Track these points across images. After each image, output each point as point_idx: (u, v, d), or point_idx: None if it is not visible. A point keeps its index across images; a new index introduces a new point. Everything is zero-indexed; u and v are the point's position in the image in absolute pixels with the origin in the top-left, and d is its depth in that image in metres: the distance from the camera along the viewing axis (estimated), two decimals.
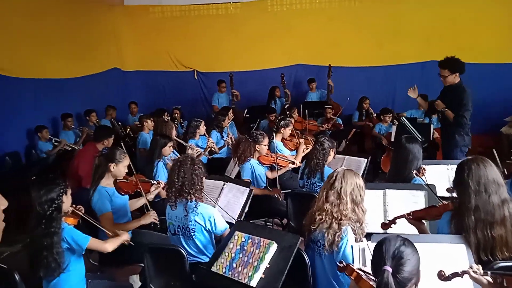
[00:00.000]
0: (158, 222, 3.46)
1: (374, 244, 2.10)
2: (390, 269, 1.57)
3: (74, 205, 2.84)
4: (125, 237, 3.01)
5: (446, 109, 4.70)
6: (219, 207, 3.36)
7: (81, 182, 4.76)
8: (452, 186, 3.26)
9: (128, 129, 7.62)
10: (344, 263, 1.97)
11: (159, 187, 3.81)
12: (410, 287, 1.63)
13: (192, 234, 2.91)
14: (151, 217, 3.39)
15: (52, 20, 7.31)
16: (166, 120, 5.96)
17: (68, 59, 7.62)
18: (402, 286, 1.59)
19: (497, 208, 2.22)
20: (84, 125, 7.26)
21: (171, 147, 4.68)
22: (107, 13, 8.99)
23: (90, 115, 7.46)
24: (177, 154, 5.12)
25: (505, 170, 3.71)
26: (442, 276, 1.87)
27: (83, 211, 2.95)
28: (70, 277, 2.64)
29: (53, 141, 6.57)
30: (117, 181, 3.51)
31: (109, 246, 2.87)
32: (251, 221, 3.85)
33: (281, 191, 4.61)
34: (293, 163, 4.86)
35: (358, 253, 2.24)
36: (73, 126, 7.14)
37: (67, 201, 2.67)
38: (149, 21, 9.55)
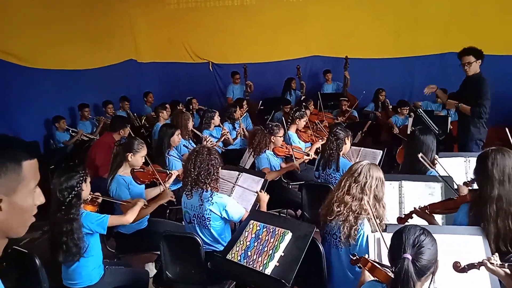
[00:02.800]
0: (175, 200, 3.48)
1: (390, 234, 2.11)
2: (410, 257, 1.58)
3: (91, 192, 2.89)
4: (141, 202, 3.08)
5: (460, 104, 4.59)
6: (234, 195, 3.39)
7: (98, 171, 4.83)
8: (471, 178, 3.21)
9: (144, 120, 7.68)
10: (357, 256, 1.98)
11: (172, 176, 3.87)
12: (428, 276, 1.64)
13: (207, 223, 2.94)
14: (168, 195, 3.40)
15: (70, 12, 7.41)
16: (183, 111, 5.99)
17: (85, 50, 7.74)
18: (421, 274, 1.60)
19: None
20: (101, 116, 7.35)
21: (179, 136, 4.70)
22: (123, 4, 9.04)
23: (107, 106, 7.55)
24: (194, 144, 5.16)
25: None
26: (457, 268, 1.86)
27: (100, 199, 3.00)
28: (89, 263, 2.70)
29: (70, 131, 6.68)
30: (134, 170, 3.57)
31: (129, 217, 2.95)
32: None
33: (296, 182, 4.60)
34: (308, 155, 4.86)
35: (374, 244, 2.23)
36: (90, 116, 7.24)
37: (86, 189, 2.72)
38: (164, 12, 9.58)
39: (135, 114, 7.93)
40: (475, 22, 7.95)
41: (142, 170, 3.63)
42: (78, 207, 2.64)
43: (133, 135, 5.04)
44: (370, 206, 2.41)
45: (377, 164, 4.17)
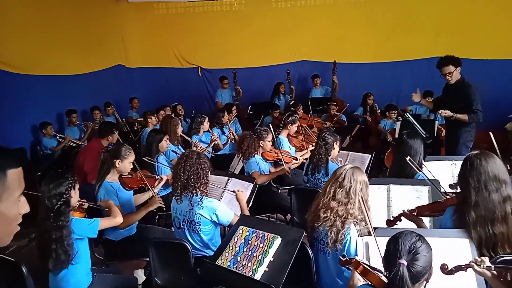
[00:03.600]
0: (164, 206, 3.47)
1: (379, 238, 2.12)
2: (405, 263, 1.59)
3: (79, 199, 2.87)
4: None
5: (456, 114, 4.60)
6: (223, 200, 3.39)
7: (86, 178, 4.79)
8: (455, 182, 3.25)
9: (136, 124, 7.63)
10: (347, 257, 1.99)
11: (162, 181, 3.86)
12: (422, 283, 1.66)
13: (197, 227, 2.93)
14: (157, 202, 3.40)
15: (57, 17, 7.35)
16: (172, 116, 5.98)
17: (72, 55, 7.67)
18: (415, 280, 1.61)
19: (497, 206, 2.20)
20: (89, 121, 7.30)
21: (168, 141, 4.69)
22: (112, 9, 9.02)
23: (95, 112, 7.51)
24: (182, 150, 5.14)
25: (508, 166, 3.70)
26: (445, 270, 1.87)
27: (86, 205, 2.98)
28: (77, 270, 2.68)
29: (57, 137, 6.61)
30: (122, 176, 3.55)
31: (119, 218, 2.97)
32: (255, 216, 3.86)
33: (285, 187, 4.61)
34: (297, 159, 4.88)
35: (362, 248, 2.25)
36: (77, 122, 7.19)
37: (75, 196, 2.71)
38: (153, 17, 9.58)
39: (123, 120, 7.89)
40: (463, 27, 8.08)
41: (130, 176, 3.61)
42: (67, 214, 2.62)
43: (121, 141, 5.01)
44: (356, 209, 2.42)
45: (365, 168, 4.26)
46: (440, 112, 4.69)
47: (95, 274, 2.85)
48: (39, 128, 6.58)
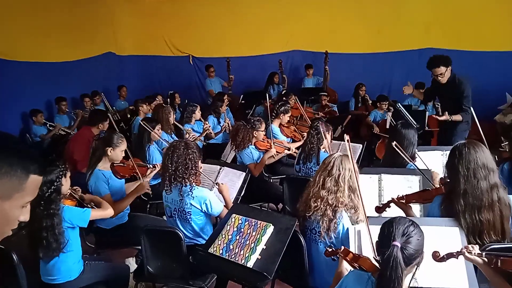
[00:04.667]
0: (151, 192, 3.46)
1: (371, 226, 2.15)
2: (399, 244, 1.63)
3: (71, 187, 2.85)
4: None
5: (451, 116, 4.60)
6: (215, 190, 3.39)
7: (77, 166, 4.75)
8: (445, 175, 3.29)
9: (128, 113, 7.57)
10: (333, 248, 2.01)
11: (155, 170, 3.83)
12: (413, 267, 1.69)
13: (188, 217, 2.93)
14: (145, 187, 3.40)
15: (47, 3, 7.22)
16: (164, 105, 5.94)
17: (62, 42, 7.55)
18: (407, 263, 1.65)
19: (485, 193, 2.24)
20: (79, 109, 7.22)
21: (160, 130, 4.66)
22: None
23: (85, 99, 7.42)
24: (175, 138, 5.12)
25: (496, 157, 3.76)
26: (436, 257, 1.91)
27: (79, 193, 2.97)
28: (68, 258, 2.66)
29: (47, 125, 6.54)
30: (114, 165, 3.52)
31: (110, 210, 2.95)
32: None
33: (277, 177, 4.63)
34: (289, 149, 4.88)
35: (354, 236, 2.27)
36: (67, 110, 7.10)
37: (66, 184, 2.68)
38: (145, 4, 9.44)
39: (114, 108, 7.82)
40: (454, 19, 8.11)
41: (122, 164, 3.59)
42: (58, 202, 2.59)
43: (114, 129, 4.98)
44: (346, 197, 2.44)
45: (357, 158, 4.28)
46: (441, 118, 4.69)
47: (86, 262, 2.84)
48: (29, 116, 6.50)
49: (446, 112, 4.63)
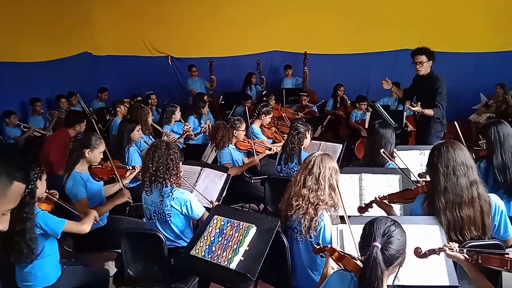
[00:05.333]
0: (131, 201, 3.41)
1: (353, 226, 2.16)
2: (379, 245, 1.63)
3: (48, 190, 2.77)
4: (93, 213, 2.96)
5: (423, 110, 4.68)
6: (197, 192, 3.36)
7: (53, 168, 4.63)
8: (424, 171, 3.35)
9: (106, 114, 7.44)
10: (321, 245, 2.02)
11: (134, 172, 3.77)
12: (395, 267, 1.69)
13: (168, 219, 2.88)
14: (125, 196, 3.35)
15: (20, 0, 7.01)
16: (142, 105, 5.85)
17: (36, 41, 7.36)
18: (388, 263, 1.65)
19: (465, 190, 2.30)
20: (54, 110, 7.05)
21: (140, 131, 4.59)
22: None
23: (61, 100, 7.25)
24: (153, 140, 5.06)
25: (473, 155, 3.84)
26: (418, 253, 1.95)
27: (57, 196, 2.89)
28: (45, 264, 2.58)
29: (21, 126, 6.37)
30: (92, 167, 3.44)
31: (86, 226, 2.82)
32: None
33: (258, 177, 4.62)
34: (270, 149, 4.89)
35: (336, 235, 2.28)
36: (42, 111, 6.93)
37: (41, 187, 2.60)
38: (123, 3, 9.27)
39: (90, 109, 7.67)
40: (429, 21, 8.29)
41: (100, 166, 3.50)
42: (32, 205, 2.49)
43: (93, 130, 4.87)
44: (326, 195, 2.45)
45: (337, 157, 4.31)
46: (407, 107, 4.81)
47: (64, 266, 2.76)
48: (2, 117, 6.31)
49: (420, 103, 4.73)
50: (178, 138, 5.34)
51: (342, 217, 2.51)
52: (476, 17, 8.22)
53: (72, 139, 3.66)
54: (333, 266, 2.12)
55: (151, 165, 2.87)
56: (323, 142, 4.64)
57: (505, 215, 2.45)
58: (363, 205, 2.82)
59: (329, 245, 1.94)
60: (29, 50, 7.22)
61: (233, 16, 9.08)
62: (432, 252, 1.93)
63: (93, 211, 2.99)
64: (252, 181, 4.86)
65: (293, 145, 4.06)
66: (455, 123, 3.87)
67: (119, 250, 3.01)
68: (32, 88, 7.14)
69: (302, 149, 4.07)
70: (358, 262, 1.74)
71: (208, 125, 5.94)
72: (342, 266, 1.85)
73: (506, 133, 3.17)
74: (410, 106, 4.79)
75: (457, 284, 2.05)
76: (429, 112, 4.67)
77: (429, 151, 2.52)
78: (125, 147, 4.39)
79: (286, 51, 9.28)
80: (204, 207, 3.03)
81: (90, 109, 7.70)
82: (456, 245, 1.92)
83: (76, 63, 8.59)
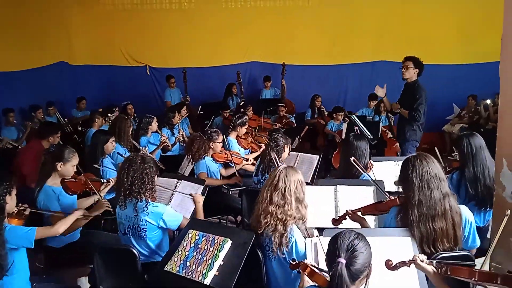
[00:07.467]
0: (112, 209, 3.33)
1: (327, 239, 2.17)
2: (344, 261, 1.63)
3: (20, 204, 2.70)
4: (78, 212, 2.91)
5: (401, 108, 5.05)
6: (172, 204, 3.32)
7: (25, 181, 4.52)
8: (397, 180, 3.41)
9: (80, 123, 7.32)
10: (296, 261, 2.02)
11: (109, 185, 3.70)
12: (362, 279, 1.70)
13: (143, 234, 2.84)
14: (104, 205, 3.22)
15: None
16: (125, 117, 5.76)
17: (11, 50, 7.17)
18: (355, 277, 1.65)
19: (438, 202, 2.34)
20: (28, 121, 6.88)
21: (113, 143, 4.52)
22: (54, 2, 8.49)
23: (37, 111, 7.10)
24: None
25: (447, 166, 3.94)
26: (389, 265, 1.97)
27: (28, 210, 2.81)
28: (14, 281, 2.50)
29: None
30: (65, 180, 3.36)
31: (59, 227, 2.75)
32: (205, 219, 3.83)
33: (236, 188, 4.62)
34: (247, 160, 4.89)
35: (311, 248, 2.29)
36: (15, 122, 6.76)
37: (11, 202, 2.53)
38: (100, 13, 9.18)
39: (65, 120, 7.54)
40: (403, 33, 8.47)
41: (73, 179, 3.43)
42: (1, 221, 2.44)
43: (61, 143, 4.78)
44: (293, 209, 2.45)
45: (314, 168, 4.34)
46: (393, 105, 5.17)
47: (34, 284, 2.68)
48: None
49: (399, 104, 5.09)
50: (155, 150, 5.27)
51: (320, 229, 2.51)
52: (448, 29, 8.47)
53: (45, 151, 3.57)
54: (308, 280, 2.12)
55: (126, 180, 2.83)
56: (300, 153, 4.65)
57: (474, 226, 2.51)
58: (337, 217, 2.84)
59: (303, 261, 1.94)
60: (3, 59, 7.05)
61: (211, 26, 9.09)
62: (402, 264, 1.97)
63: (79, 210, 2.96)
64: (230, 192, 4.85)
65: (271, 157, 4.06)
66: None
67: (93, 265, 2.95)
68: (5, 98, 6.95)
69: (280, 161, 4.07)
70: (328, 277, 1.75)
71: (182, 134, 5.91)
72: (314, 282, 1.86)
73: (479, 145, 3.26)
74: (392, 105, 5.15)
75: None
76: (405, 112, 4.98)
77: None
78: (99, 159, 4.31)
79: (265, 62, 9.32)
80: None
81: (65, 119, 7.58)
82: (425, 257, 1.95)
83: (52, 73, 8.43)
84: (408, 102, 4.96)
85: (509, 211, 2.29)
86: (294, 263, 2.02)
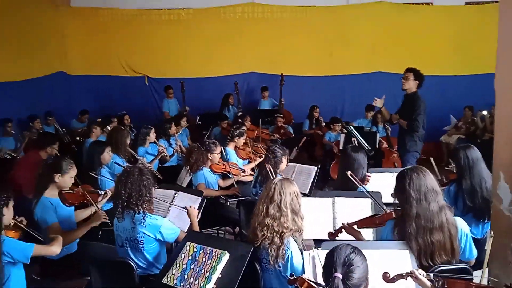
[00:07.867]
0: (109, 221, 3.31)
1: (324, 251, 2.17)
2: (340, 276, 1.63)
3: (16, 217, 2.69)
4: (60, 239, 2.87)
5: (399, 119, 5.11)
6: (170, 216, 3.32)
7: (22, 191, 4.51)
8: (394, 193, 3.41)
9: (80, 133, 7.33)
10: (294, 276, 2.01)
11: (107, 196, 3.69)
12: None
13: (141, 246, 2.83)
14: (101, 217, 3.22)
15: None
16: (122, 128, 5.77)
17: (8, 61, 7.20)
18: None
19: (435, 215, 2.35)
20: (26, 131, 6.87)
21: (110, 153, 4.51)
22: (52, 14, 8.57)
23: (35, 121, 7.10)
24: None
25: (444, 177, 3.94)
26: (387, 278, 1.98)
27: (25, 223, 2.80)
28: None
29: None
30: (62, 192, 3.35)
31: (56, 248, 2.73)
32: (203, 230, 3.82)
33: (234, 199, 4.62)
34: (244, 171, 4.90)
35: (309, 262, 2.28)
36: (13, 132, 6.76)
37: (8, 214, 2.52)
38: (98, 24, 9.22)
39: (64, 130, 7.54)
40: (398, 44, 8.58)
41: (71, 191, 3.42)
42: None
43: (59, 155, 4.77)
44: (290, 222, 2.44)
45: (312, 179, 4.33)
46: (392, 116, 5.21)
47: None
48: None
49: (398, 115, 5.15)
50: (152, 161, 5.27)
51: (318, 242, 2.50)
52: (443, 41, 8.58)
53: (43, 162, 3.57)
54: None
55: (123, 192, 2.82)
56: (298, 165, 4.65)
57: (470, 237, 2.52)
58: (333, 231, 2.83)
59: (300, 276, 1.94)
60: (1, 69, 7.07)
61: (209, 37, 9.14)
62: (400, 277, 1.97)
63: (60, 237, 2.88)
64: (228, 203, 4.84)
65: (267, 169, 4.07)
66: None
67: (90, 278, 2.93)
68: (2, 108, 6.96)
69: (278, 172, 4.08)
70: None
71: (180, 145, 5.91)
72: None
73: (475, 158, 3.28)
74: (390, 114, 5.20)
75: None
76: (403, 123, 5.05)
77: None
78: (96, 169, 4.30)
79: (263, 73, 9.37)
80: None
81: (63, 129, 7.58)
82: (423, 272, 1.95)
83: (49, 83, 8.45)
84: (408, 113, 5.01)
85: (492, 233, 2.29)
86: (292, 278, 2.01)
